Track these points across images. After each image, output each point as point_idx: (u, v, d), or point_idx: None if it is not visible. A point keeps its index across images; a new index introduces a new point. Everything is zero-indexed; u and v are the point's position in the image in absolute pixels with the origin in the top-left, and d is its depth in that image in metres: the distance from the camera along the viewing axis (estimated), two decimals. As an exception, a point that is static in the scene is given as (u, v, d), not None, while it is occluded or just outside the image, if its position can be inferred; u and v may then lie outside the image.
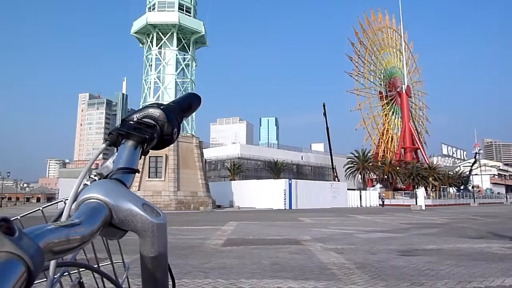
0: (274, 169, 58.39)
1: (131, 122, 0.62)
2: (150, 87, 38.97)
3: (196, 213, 29.97)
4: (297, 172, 66.28)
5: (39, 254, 0.33)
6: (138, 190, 33.69)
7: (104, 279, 0.61)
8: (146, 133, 0.61)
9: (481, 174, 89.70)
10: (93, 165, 0.59)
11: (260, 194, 42.10)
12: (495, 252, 8.43)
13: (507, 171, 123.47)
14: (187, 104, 0.73)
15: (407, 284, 5.33)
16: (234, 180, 53.03)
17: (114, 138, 0.60)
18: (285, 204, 40.76)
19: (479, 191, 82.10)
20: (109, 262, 0.71)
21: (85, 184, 0.53)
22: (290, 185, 41.98)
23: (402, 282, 5.44)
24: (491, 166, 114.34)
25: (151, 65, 39.44)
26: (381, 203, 52.52)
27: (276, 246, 9.53)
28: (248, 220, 20.35)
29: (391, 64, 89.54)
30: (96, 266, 0.61)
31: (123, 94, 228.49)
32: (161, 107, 0.65)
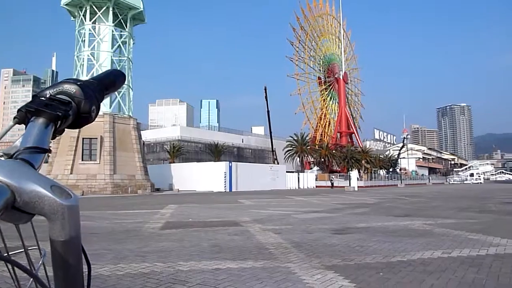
0: (214, 152, 58.18)
1: (43, 98, 0.57)
2: (83, 64, 36.58)
3: (134, 196, 29.16)
4: (237, 154, 66.67)
5: None
6: (71, 173, 31.98)
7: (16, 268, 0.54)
8: (59, 110, 0.56)
9: (408, 158, 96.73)
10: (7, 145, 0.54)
11: (200, 177, 41.88)
12: (417, 229, 9.20)
13: (430, 154, 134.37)
14: (109, 81, 0.69)
15: (339, 261, 5.66)
16: (174, 163, 52.08)
17: (22, 116, 0.56)
18: (225, 186, 40.98)
19: (405, 173, 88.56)
20: (23, 250, 0.64)
21: None
22: (230, 167, 42.19)
23: (335, 259, 5.76)
24: (416, 150, 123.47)
25: (84, 40, 36.93)
26: (330, 184, 54.61)
27: (216, 228, 9.59)
28: (188, 203, 20.22)
29: (330, 51, 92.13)
30: (5, 254, 0.54)
31: (52, 70, 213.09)
32: (78, 83, 0.61)
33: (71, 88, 0.60)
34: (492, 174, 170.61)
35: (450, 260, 5.65)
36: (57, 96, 0.59)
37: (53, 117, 0.56)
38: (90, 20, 36.79)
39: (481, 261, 5.60)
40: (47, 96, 0.59)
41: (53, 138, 0.58)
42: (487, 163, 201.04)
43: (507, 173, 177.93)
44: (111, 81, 0.70)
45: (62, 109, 0.57)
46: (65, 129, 0.62)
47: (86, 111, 0.60)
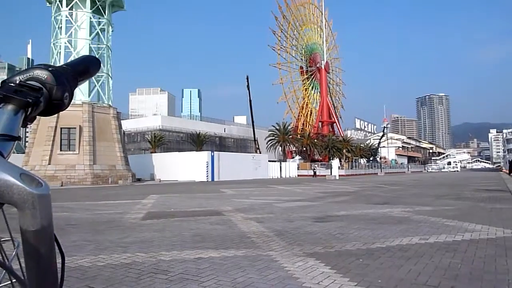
0: (196, 141, 57.86)
1: (12, 84, 0.55)
2: (60, 52, 35.52)
3: (115, 187, 28.80)
4: (219, 144, 66.51)
5: None
6: (49, 164, 31.31)
7: None
8: (29, 96, 0.54)
9: (387, 147, 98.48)
10: None
11: (182, 167, 41.64)
12: (396, 216, 9.40)
13: (409, 143, 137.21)
14: (83, 67, 0.67)
15: (320, 248, 5.74)
16: (155, 152, 51.61)
17: None
18: (207, 176, 40.90)
19: (385, 161, 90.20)
20: None
21: None
22: (212, 157, 42.07)
23: (316, 246, 5.84)
24: (396, 139, 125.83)
25: (61, 27, 35.79)
26: (312, 173, 55.22)
27: (198, 217, 9.58)
28: (170, 193, 20.11)
29: (312, 40, 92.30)
30: None
31: (28, 58, 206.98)
32: (50, 68, 0.59)
33: (42, 74, 0.58)
34: (469, 163, 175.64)
35: (428, 246, 5.80)
36: (27, 82, 0.56)
37: (23, 104, 0.54)
38: (66, 6, 35.62)
39: (456, 246, 5.77)
40: (17, 82, 0.56)
41: (24, 125, 0.56)
42: (464, 152, 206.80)
43: (483, 161, 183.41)
44: (85, 67, 0.68)
45: (32, 96, 0.55)
46: (39, 116, 0.59)
47: (58, 98, 0.58)
